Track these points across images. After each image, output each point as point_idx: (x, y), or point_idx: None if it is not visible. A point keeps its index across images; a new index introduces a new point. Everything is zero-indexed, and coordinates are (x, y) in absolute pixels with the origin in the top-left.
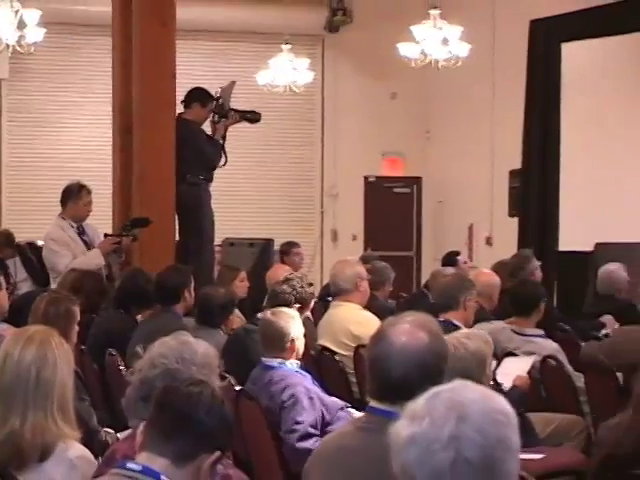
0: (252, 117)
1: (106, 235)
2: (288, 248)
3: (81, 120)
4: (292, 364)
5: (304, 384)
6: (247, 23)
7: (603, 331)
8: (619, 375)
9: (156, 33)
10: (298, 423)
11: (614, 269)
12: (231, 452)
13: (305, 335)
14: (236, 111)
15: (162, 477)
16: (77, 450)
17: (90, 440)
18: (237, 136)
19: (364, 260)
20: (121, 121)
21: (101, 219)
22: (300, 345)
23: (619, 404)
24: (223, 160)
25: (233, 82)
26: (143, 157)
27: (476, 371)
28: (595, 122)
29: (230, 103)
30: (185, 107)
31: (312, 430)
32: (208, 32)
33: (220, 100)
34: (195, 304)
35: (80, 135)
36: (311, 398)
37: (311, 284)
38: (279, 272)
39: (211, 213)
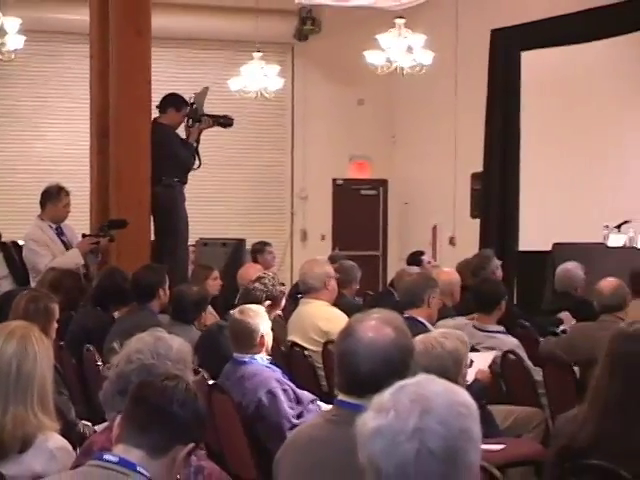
0: (225, 122)
1: (84, 235)
2: (259, 248)
3: (60, 124)
4: (262, 359)
5: (276, 377)
6: (220, 32)
7: (561, 327)
8: (576, 369)
9: (132, 41)
10: (284, 416)
11: (571, 268)
12: (204, 444)
13: (273, 330)
14: (209, 116)
15: (138, 468)
16: (57, 441)
17: (68, 432)
18: (211, 140)
19: (332, 259)
20: (98, 125)
21: (79, 220)
22: (269, 340)
23: (576, 397)
24: (197, 163)
25: (206, 88)
26: (119, 160)
27: (452, 370)
28: (553, 127)
29: (204, 108)
30: (160, 112)
31: (296, 421)
32: (182, 40)
33: (194, 105)
34: (170, 301)
35: (59, 139)
36: (285, 390)
37: (282, 284)
38: (251, 271)
39: (185, 214)
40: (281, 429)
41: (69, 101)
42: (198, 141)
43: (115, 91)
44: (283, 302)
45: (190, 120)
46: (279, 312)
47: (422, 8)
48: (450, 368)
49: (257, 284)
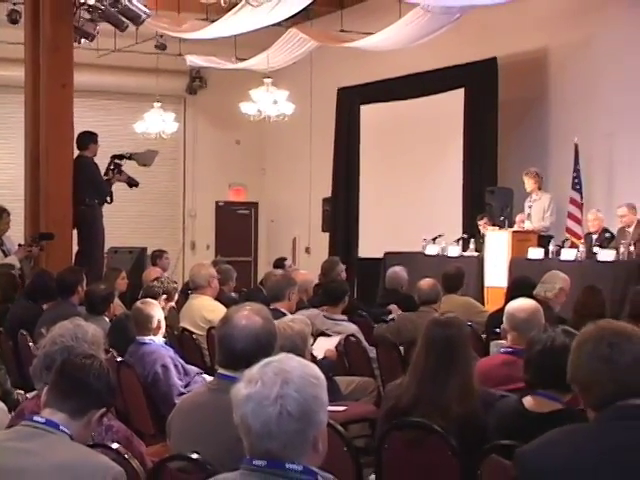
0: (133, 183)
1: (20, 245)
2: (158, 254)
3: (2, 155)
4: (159, 340)
5: (169, 355)
6: (128, 86)
7: (390, 316)
8: (401, 348)
9: (58, 92)
10: (173, 385)
11: (398, 270)
12: (114, 408)
13: (167, 318)
14: (128, 177)
15: (61, 427)
16: None
17: (5, 399)
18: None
19: (215, 264)
20: (31, 157)
21: (16, 233)
22: (163, 325)
23: (401, 370)
24: (109, 200)
25: (155, 152)
26: (48, 185)
27: (300, 346)
28: (385, 163)
29: (145, 165)
30: (82, 148)
31: (183, 389)
32: (98, 92)
33: (131, 158)
34: (84, 297)
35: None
36: (176, 365)
37: (175, 282)
38: (152, 273)
39: (102, 228)
40: (171, 395)
41: (9, 138)
42: (111, 186)
43: (44, 131)
44: (176, 296)
45: (114, 170)
46: (173, 304)
47: (284, 70)
48: (299, 345)
49: (156, 282)
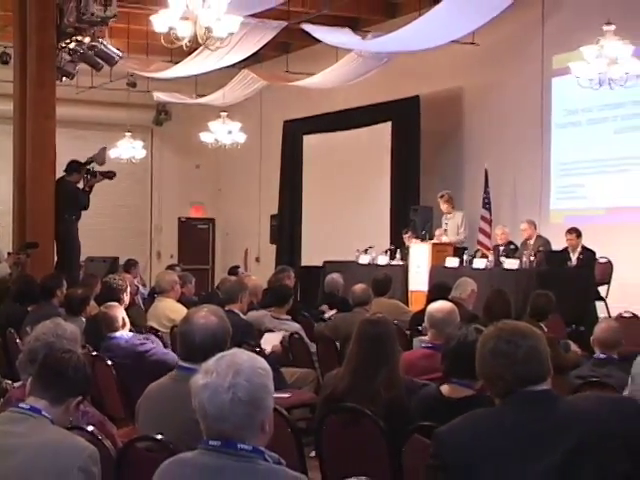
0: (110, 175)
1: (9, 254)
2: (129, 263)
3: None
4: (127, 334)
5: (139, 340)
6: (103, 118)
7: (326, 315)
8: (337, 344)
9: (42, 123)
10: (167, 353)
11: (335, 277)
12: (90, 396)
13: (132, 317)
14: (100, 173)
15: (43, 412)
16: None
17: None
18: (100, 191)
19: (171, 267)
20: (19, 180)
21: (6, 242)
22: (127, 321)
23: (337, 362)
24: (86, 205)
25: (104, 148)
26: (33, 202)
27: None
28: (324, 185)
29: (104, 161)
30: (67, 173)
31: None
32: (77, 123)
33: (92, 167)
34: (64, 299)
35: None
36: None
37: (144, 285)
38: (123, 279)
39: (78, 240)
40: (171, 360)
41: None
42: (91, 188)
43: (30, 156)
44: (139, 297)
45: (88, 176)
46: (141, 305)
47: (238, 105)
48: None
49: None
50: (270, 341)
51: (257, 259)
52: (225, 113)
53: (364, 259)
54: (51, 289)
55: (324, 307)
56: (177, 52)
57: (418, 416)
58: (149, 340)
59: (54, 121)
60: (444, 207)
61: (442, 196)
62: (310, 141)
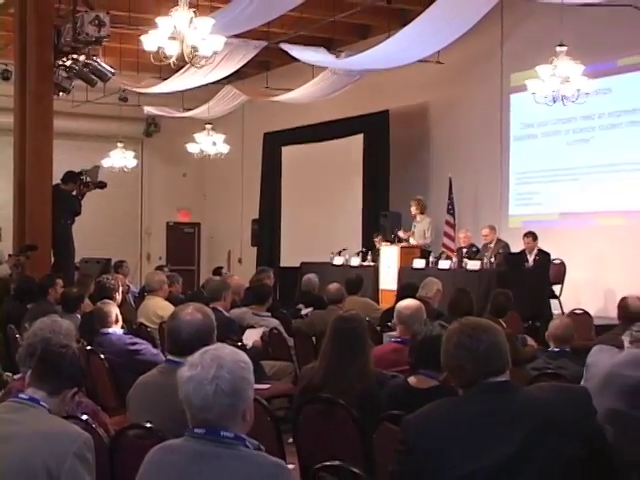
0: (101, 186)
1: (10, 255)
2: (120, 264)
3: None
4: (120, 331)
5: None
6: (97, 130)
7: (304, 312)
8: (313, 339)
9: (40, 135)
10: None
11: (311, 277)
12: (84, 387)
13: (124, 314)
14: (93, 183)
15: (41, 402)
16: None
17: None
18: (94, 198)
19: (159, 268)
20: (19, 187)
21: (6, 245)
22: (120, 318)
23: (313, 356)
24: (79, 210)
25: (97, 166)
26: (32, 208)
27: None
28: (301, 191)
29: (96, 178)
30: (63, 182)
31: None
32: (73, 135)
33: (85, 177)
34: (61, 298)
35: None
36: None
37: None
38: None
39: (73, 243)
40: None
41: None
42: (83, 196)
43: (29, 165)
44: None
45: (81, 186)
46: (132, 303)
47: (222, 117)
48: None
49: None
50: (251, 336)
51: (239, 260)
52: (210, 125)
53: (338, 260)
54: (45, 287)
55: (301, 305)
56: (166, 69)
57: (387, 405)
58: (140, 341)
59: (51, 133)
60: (414, 210)
61: (414, 199)
62: (288, 152)
